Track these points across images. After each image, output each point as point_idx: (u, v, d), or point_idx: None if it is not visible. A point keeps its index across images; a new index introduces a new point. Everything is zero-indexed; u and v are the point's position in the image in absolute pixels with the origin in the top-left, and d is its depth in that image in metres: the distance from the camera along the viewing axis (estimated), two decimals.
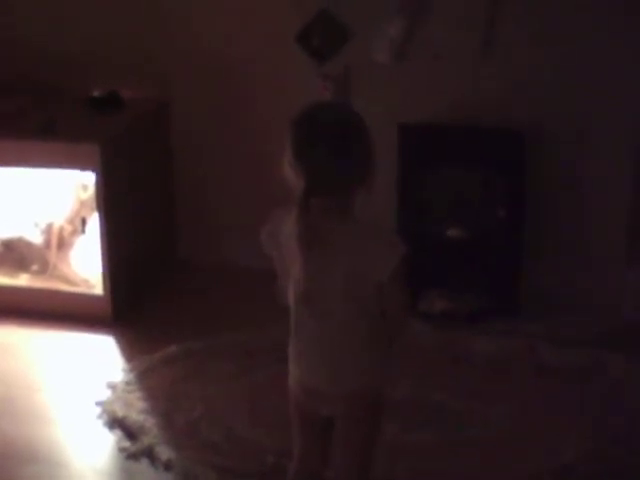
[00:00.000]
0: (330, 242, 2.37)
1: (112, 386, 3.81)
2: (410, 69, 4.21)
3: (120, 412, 3.62)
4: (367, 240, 2.39)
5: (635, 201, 4.20)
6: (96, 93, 4.55)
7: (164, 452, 3.38)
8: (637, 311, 4.15)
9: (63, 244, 4.53)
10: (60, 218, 4.51)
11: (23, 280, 4.53)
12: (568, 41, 4.07)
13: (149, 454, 3.39)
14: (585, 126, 4.16)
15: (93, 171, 4.23)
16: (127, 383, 3.81)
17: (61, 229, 4.51)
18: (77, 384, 3.90)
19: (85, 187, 4.41)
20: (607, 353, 3.86)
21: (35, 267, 4.54)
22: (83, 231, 4.46)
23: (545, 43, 4.08)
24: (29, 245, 4.55)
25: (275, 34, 4.36)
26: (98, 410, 3.68)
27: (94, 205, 4.32)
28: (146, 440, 3.45)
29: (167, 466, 3.33)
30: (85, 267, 4.45)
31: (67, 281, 4.48)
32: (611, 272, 4.23)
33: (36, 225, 4.54)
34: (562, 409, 3.56)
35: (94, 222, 4.35)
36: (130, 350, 4.10)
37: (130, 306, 4.40)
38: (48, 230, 4.52)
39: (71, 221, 4.51)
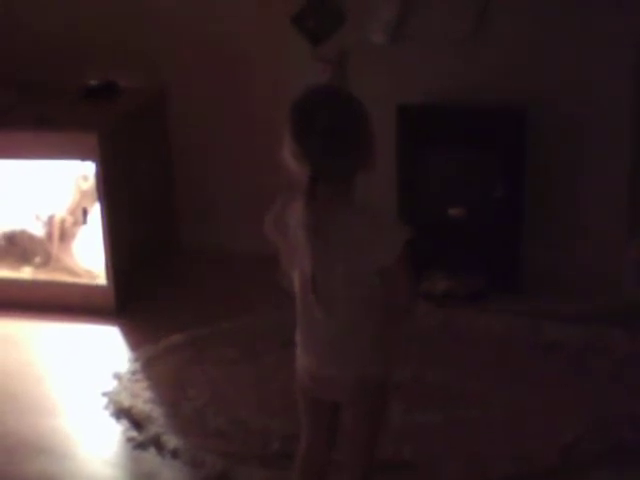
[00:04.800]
0: (334, 229, 2.35)
1: (118, 376, 3.80)
2: (408, 50, 4.18)
3: (126, 402, 3.62)
4: (370, 226, 2.36)
5: (635, 178, 4.18)
6: (92, 83, 4.53)
7: (171, 441, 3.38)
8: (637, 287, 4.14)
9: (65, 235, 4.51)
10: (61, 209, 4.50)
11: (26, 273, 4.52)
12: (567, 18, 4.04)
13: (156, 443, 3.39)
14: (584, 104, 4.13)
15: (93, 161, 4.22)
16: (132, 373, 3.81)
17: (63, 220, 4.50)
18: (83, 375, 3.90)
19: (85, 177, 4.39)
20: (608, 330, 3.86)
21: (38, 260, 4.53)
22: (85, 222, 4.45)
23: (544, 21, 4.06)
24: (31, 238, 4.54)
25: (273, 16, 4.34)
26: (104, 401, 3.68)
27: (95, 195, 4.30)
28: (153, 429, 3.45)
29: (174, 454, 3.33)
30: (88, 258, 4.44)
31: (70, 272, 4.47)
32: (611, 249, 4.21)
33: (38, 217, 4.53)
34: (564, 386, 3.56)
35: (95, 212, 4.34)
36: (135, 339, 4.10)
37: (133, 295, 4.39)
38: (50, 222, 4.51)
39: (72, 212, 4.49)
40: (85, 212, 4.44)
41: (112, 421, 3.57)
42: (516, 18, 4.08)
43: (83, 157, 4.27)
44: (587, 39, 4.04)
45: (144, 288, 4.46)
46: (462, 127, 4.17)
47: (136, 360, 3.90)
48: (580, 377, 3.61)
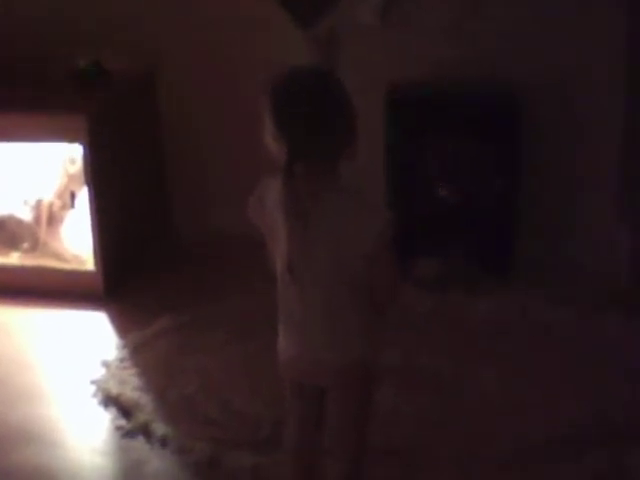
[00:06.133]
0: (315, 211, 2.32)
1: (106, 364, 3.76)
2: (400, 33, 4.16)
3: (114, 390, 3.58)
4: (351, 208, 2.33)
5: (625, 164, 4.17)
6: (81, 64, 4.46)
7: (160, 428, 3.34)
8: (633, 270, 4.12)
9: (53, 219, 4.47)
10: (49, 193, 4.44)
11: (14, 259, 4.47)
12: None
13: (145, 431, 3.36)
14: (580, 92, 4.14)
15: (80, 143, 4.16)
16: (121, 360, 3.77)
17: (51, 204, 4.45)
18: (71, 362, 3.86)
19: (73, 160, 4.34)
20: (604, 314, 3.85)
21: (26, 245, 4.48)
22: (72, 206, 4.40)
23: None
24: (19, 223, 4.49)
25: None
26: (92, 388, 3.64)
27: (83, 179, 4.25)
28: (141, 417, 3.41)
29: (163, 442, 3.29)
30: (76, 243, 4.39)
31: (58, 258, 4.43)
32: (606, 233, 4.21)
33: (25, 202, 4.47)
34: (560, 372, 3.54)
35: (83, 196, 4.29)
36: (123, 325, 4.05)
37: (122, 281, 4.34)
38: (38, 206, 4.46)
39: (60, 196, 4.44)
40: (73, 196, 4.39)
41: (100, 409, 3.53)
42: (516, 11, 4.08)
43: (70, 139, 4.21)
44: (584, 21, 4.04)
45: (133, 274, 4.42)
46: (456, 113, 4.14)
47: (124, 347, 3.86)
48: (576, 363, 3.59)
